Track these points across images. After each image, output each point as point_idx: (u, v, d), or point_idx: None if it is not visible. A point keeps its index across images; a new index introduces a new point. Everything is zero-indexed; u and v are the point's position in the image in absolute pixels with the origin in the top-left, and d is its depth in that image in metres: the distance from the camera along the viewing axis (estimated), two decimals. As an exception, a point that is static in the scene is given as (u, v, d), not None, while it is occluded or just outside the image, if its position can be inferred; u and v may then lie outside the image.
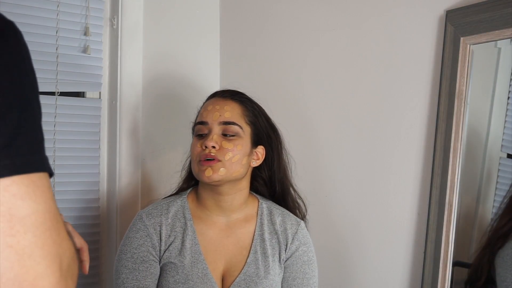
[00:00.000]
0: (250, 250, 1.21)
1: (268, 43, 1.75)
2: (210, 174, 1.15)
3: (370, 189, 1.46)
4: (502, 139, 1.24)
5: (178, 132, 1.65)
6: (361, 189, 1.48)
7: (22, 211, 0.53)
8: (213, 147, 1.16)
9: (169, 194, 1.33)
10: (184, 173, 1.34)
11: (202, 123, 1.21)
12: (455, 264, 1.26)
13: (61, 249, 0.56)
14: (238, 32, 1.86)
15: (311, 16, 1.61)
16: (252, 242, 1.22)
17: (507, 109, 1.24)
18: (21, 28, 0.63)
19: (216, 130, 1.19)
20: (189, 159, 1.32)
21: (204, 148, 1.17)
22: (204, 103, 1.28)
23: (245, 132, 1.22)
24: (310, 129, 1.61)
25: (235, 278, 1.18)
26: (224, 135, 1.19)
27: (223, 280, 1.20)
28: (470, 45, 1.23)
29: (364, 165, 1.47)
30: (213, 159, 1.16)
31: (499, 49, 1.22)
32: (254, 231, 1.24)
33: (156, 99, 1.74)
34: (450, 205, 1.25)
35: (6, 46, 0.56)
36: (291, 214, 1.30)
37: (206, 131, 1.20)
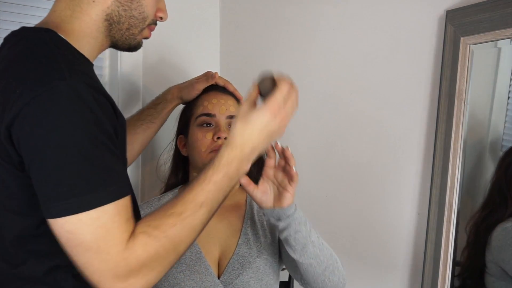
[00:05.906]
0: (241, 232, 1.24)
1: (268, 37, 1.75)
2: None
3: (370, 189, 1.45)
4: (502, 139, 1.24)
5: (178, 132, 1.64)
6: (361, 189, 1.48)
7: None
8: (226, 138, 1.20)
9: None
10: (168, 167, 1.38)
11: (209, 115, 1.26)
12: (455, 264, 1.26)
13: None
14: (238, 28, 1.86)
15: (311, 15, 1.61)
16: (243, 224, 1.25)
17: (507, 109, 1.23)
18: (21, 27, 0.62)
19: (224, 122, 1.25)
20: (171, 152, 1.37)
21: (216, 139, 1.22)
22: (202, 95, 1.31)
23: None
24: (309, 127, 1.61)
25: (229, 260, 1.20)
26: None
27: (219, 263, 1.21)
28: (470, 45, 1.23)
29: (364, 165, 1.47)
30: None
31: (499, 49, 1.22)
32: (244, 215, 1.27)
33: (156, 99, 1.74)
34: (450, 205, 1.25)
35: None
36: None
37: (212, 123, 1.25)
